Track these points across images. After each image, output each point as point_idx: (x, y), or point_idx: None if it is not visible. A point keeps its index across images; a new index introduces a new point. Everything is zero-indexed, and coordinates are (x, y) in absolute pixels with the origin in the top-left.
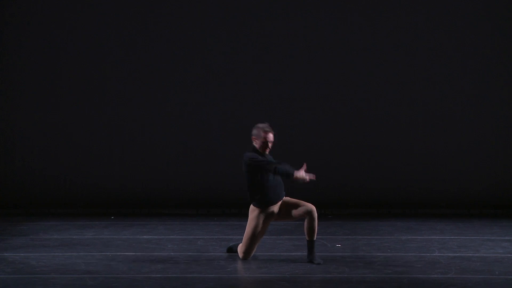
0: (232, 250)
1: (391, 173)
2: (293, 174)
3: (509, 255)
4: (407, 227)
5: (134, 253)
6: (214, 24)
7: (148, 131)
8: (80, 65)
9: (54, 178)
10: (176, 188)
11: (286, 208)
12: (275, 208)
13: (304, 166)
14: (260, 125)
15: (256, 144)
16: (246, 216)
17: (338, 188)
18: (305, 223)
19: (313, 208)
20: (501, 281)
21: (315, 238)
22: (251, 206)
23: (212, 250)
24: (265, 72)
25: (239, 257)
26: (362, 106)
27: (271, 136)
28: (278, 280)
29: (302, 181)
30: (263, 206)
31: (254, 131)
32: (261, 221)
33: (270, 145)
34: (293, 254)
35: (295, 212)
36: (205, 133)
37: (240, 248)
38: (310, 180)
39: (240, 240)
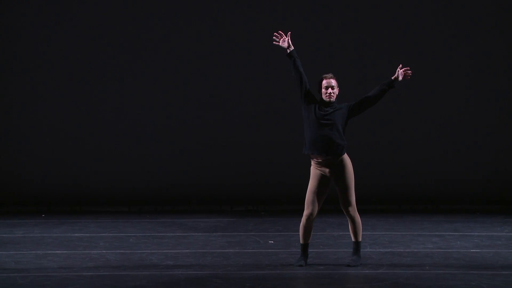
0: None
1: None
2: None
3: (439, 250)
4: (339, 223)
5: (65, 251)
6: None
7: (80, 129)
8: (23, 62)
9: None
10: (108, 186)
11: (336, 185)
12: (327, 166)
13: None
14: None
15: (321, 94)
16: (179, 213)
17: (271, 185)
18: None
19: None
20: (431, 276)
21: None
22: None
23: (144, 247)
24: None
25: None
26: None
27: (324, 81)
28: (211, 277)
29: None
30: (308, 152)
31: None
32: (316, 176)
33: (328, 91)
34: (226, 251)
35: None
36: (138, 132)
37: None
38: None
39: None
